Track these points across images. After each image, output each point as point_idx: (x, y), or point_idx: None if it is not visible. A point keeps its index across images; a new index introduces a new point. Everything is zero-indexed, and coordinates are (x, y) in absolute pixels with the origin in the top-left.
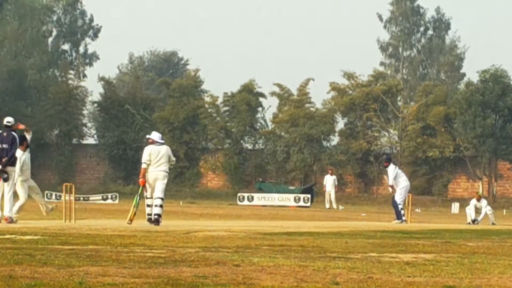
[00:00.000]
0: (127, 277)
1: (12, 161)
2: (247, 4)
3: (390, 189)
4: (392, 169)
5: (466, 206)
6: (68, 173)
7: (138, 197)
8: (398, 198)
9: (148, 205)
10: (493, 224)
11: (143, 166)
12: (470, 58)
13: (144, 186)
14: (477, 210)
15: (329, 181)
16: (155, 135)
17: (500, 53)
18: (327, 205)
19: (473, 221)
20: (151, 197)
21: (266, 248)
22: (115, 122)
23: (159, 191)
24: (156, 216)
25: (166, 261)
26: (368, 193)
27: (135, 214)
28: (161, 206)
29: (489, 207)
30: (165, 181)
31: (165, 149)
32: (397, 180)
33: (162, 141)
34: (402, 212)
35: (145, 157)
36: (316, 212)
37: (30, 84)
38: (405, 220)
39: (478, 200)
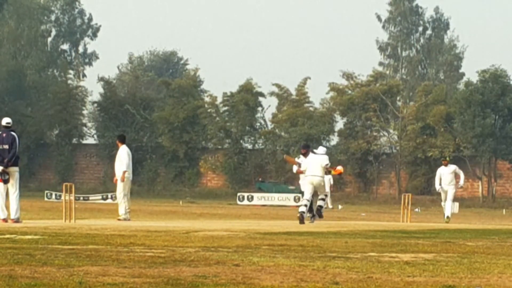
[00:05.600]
0: (127, 276)
1: (14, 161)
2: (247, 4)
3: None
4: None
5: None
6: (68, 173)
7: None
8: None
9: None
10: (447, 217)
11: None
12: (469, 57)
13: None
14: (448, 181)
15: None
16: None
17: (499, 53)
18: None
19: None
20: None
21: (266, 247)
22: (115, 122)
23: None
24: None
25: (166, 261)
26: (368, 193)
27: None
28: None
29: (461, 182)
30: None
31: None
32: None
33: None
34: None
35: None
36: None
37: (30, 84)
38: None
39: (446, 165)
